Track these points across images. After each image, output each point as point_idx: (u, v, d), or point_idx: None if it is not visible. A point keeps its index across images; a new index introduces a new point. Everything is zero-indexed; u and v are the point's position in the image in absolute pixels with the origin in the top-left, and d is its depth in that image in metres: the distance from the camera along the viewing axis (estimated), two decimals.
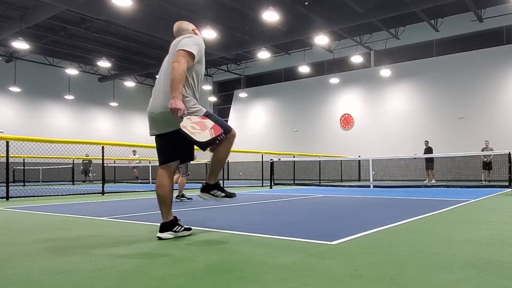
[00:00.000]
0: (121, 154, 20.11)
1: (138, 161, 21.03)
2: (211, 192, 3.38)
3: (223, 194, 3.41)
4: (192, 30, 3.48)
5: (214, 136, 3.04)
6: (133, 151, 20.12)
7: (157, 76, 3.52)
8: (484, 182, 14.91)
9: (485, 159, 15.62)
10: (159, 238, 3.14)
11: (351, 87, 22.74)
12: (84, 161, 20.24)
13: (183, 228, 3.30)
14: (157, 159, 3.33)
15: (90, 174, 20.77)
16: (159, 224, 3.21)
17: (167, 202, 3.21)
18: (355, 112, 22.49)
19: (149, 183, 18.01)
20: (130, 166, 21.19)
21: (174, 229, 3.22)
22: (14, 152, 11.96)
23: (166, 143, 3.29)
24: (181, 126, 2.97)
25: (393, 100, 21.31)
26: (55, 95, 25.58)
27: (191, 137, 2.94)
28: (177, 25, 3.53)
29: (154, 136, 3.34)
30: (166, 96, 3.10)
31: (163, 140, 3.30)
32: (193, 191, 10.43)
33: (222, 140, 3.22)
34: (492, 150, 14.99)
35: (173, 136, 3.18)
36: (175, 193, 6.81)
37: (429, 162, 16.39)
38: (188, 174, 7.30)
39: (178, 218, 3.32)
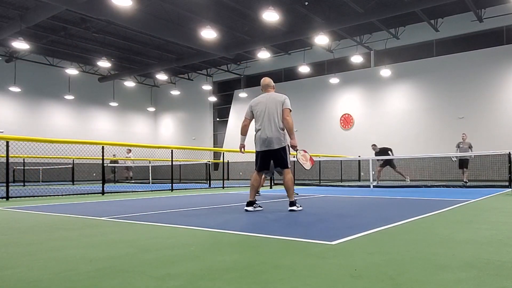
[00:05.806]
0: (121, 154, 20.10)
1: (132, 161, 21.03)
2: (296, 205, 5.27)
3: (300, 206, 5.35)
4: (273, 87, 5.74)
5: (312, 165, 5.73)
6: (128, 149, 19.97)
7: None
8: (465, 183, 13.07)
9: (454, 159, 13.76)
10: (246, 210, 5.18)
11: (351, 87, 22.73)
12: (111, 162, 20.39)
13: (258, 206, 5.39)
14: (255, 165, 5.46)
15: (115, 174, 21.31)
16: (246, 202, 5.33)
17: (254, 190, 5.43)
18: (355, 112, 22.48)
19: (149, 183, 17.99)
20: (124, 165, 21.16)
21: (253, 206, 5.28)
22: (14, 152, 11.94)
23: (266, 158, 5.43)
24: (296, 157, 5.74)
25: (393, 100, 21.29)
26: (55, 95, 25.58)
27: (302, 165, 5.69)
28: (267, 80, 5.70)
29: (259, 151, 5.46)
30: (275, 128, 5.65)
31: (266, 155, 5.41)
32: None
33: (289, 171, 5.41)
34: (470, 144, 13.46)
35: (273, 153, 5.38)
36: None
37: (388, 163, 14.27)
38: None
39: (256, 200, 5.44)
